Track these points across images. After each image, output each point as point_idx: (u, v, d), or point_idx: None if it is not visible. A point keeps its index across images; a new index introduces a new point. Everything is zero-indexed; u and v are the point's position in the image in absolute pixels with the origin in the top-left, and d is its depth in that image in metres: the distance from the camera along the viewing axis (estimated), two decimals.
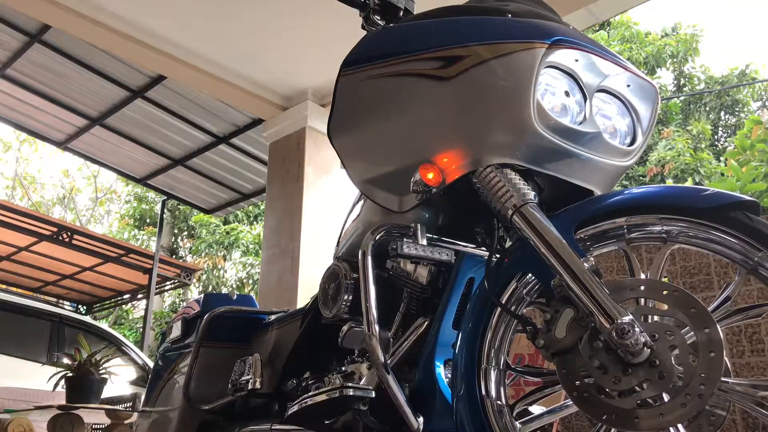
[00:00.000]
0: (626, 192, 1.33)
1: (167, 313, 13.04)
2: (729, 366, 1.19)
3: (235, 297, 2.21)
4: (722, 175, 9.76)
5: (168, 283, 9.48)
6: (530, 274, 1.31)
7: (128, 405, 4.07)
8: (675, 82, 12.93)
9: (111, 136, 6.64)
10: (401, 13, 1.71)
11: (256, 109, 5.89)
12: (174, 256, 15.56)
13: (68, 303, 10.66)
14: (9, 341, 4.87)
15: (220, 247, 12.91)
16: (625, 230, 1.29)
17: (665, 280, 1.47)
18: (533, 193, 1.34)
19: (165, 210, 9.75)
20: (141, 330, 9.91)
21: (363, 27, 1.71)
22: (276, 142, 5.93)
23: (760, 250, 1.15)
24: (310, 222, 5.43)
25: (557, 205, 1.38)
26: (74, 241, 7.82)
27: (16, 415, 2.82)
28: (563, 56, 1.36)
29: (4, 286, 10.43)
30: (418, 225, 1.50)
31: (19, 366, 4.78)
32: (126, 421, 3.08)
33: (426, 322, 1.56)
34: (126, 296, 10.05)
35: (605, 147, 1.41)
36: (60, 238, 7.72)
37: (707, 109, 12.08)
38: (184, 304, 2.67)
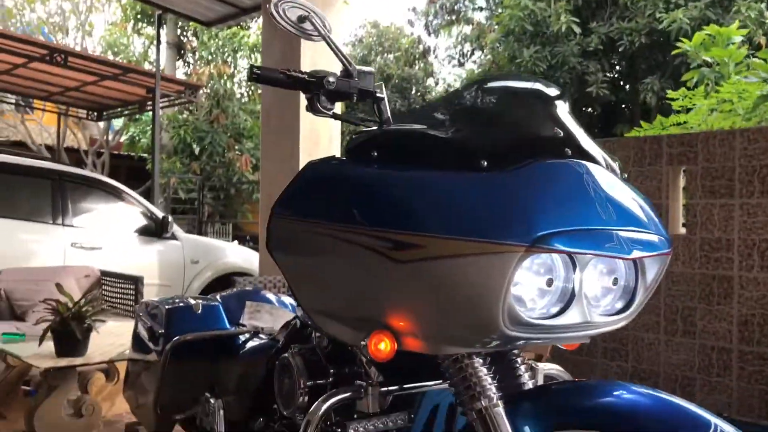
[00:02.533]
0: (615, 397, 1.11)
1: (179, 114, 12.84)
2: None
3: (200, 310, 2.07)
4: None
5: (171, 98, 9.21)
6: None
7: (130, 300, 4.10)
8: None
9: None
10: (355, 97, 1.30)
11: None
12: (182, 52, 14.89)
13: (79, 111, 10.54)
14: (10, 203, 4.85)
15: (227, 51, 12.21)
16: None
17: None
18: (499, 394, 1.15)
19: (162, 21, 9.10)
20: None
21: (306, 108, 1.32)
22: None
23: None
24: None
25: None
26: (69, 63, 7.44)
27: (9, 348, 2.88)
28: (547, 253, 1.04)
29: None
30: (370, 389, 1.30)
31: (25, 228, 4.83)
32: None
33: None
34: (134, 106, 9.85)
35: (592, 322, 1.15)
36: (53, 60, 7.33)
37: None
38: (143, 308, 2.52)
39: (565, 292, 1.10)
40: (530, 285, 1.07)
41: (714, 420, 1.05)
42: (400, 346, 1.16)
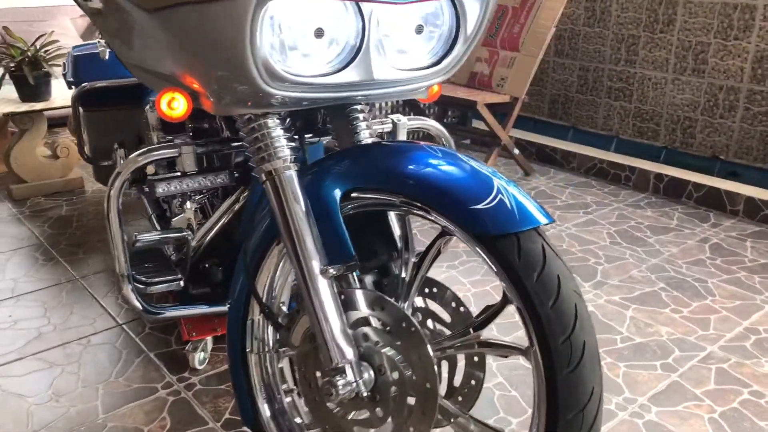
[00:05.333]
0: (408, 166, 1.00)
1: None
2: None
3: (107, 56, 1.96)
4: None
5: None
6: None
7: None
8: None
9: None
10: None
11: None
12: None
13: None
14: None
15: None
16: (400, 204, 1.04)
17: None
18: (293, 156, 1.07)
19: None
20: None
21: None
22: None
23: (506, 281, 0.93)
24: None
25: None
26: None
27: None
28: None
29: None
30: (183, 152, 1.22)
31: None
32: None
33: (236, 203, 1.42)
34: None
35: (385, 80, 1.00)
36: None
37: None
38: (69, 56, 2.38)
39: (353, 46, 0.95)
40: (297, 36, 0.92)
41: (498, 183, 0.95)
42: (197, 105, 1.08)
